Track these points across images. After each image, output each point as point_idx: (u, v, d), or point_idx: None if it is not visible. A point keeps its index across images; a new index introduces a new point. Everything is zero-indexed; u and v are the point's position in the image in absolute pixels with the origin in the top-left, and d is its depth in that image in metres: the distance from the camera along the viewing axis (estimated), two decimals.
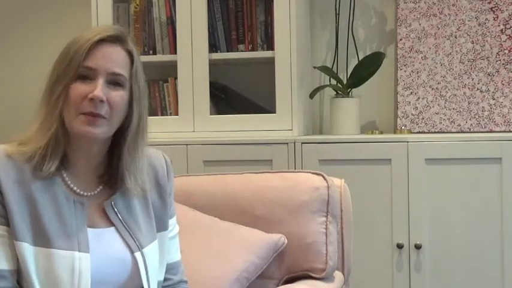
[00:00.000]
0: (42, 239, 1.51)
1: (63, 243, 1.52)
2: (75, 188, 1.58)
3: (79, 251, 1.52)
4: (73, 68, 1.52)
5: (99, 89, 1.51)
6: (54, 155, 1.54)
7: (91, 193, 1.61)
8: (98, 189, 1.62)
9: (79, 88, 1.52)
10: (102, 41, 1.54)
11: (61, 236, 1.52)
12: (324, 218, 2.04)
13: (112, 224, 1.61)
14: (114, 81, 1.55)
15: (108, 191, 1.63)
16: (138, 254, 1.60)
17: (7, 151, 1.54)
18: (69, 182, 1.58)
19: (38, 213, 1.52)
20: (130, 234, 1.61)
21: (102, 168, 1.63)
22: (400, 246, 2.69)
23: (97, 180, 1.62)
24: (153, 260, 1.64)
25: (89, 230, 1.57)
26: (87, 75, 1.53)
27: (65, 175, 1.58)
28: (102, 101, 1.51)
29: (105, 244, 1.58)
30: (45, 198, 1.53)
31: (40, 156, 1.53)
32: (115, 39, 1.56)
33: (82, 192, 1.59)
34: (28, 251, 1.50)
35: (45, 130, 1.53)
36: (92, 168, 1.61)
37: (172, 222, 1.76)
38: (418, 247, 2.68)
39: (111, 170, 1.62)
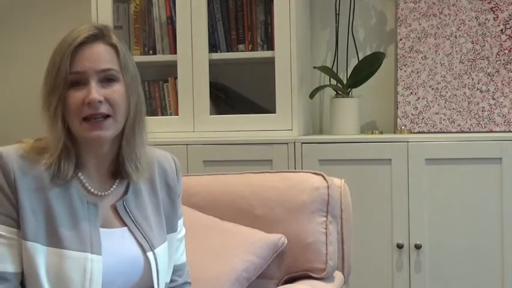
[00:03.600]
0: (55, 240, 1.51)
1: (76, 244, 1.52)
2: (89, 188, 1.59)
3: (91, 252, 1.53)
4: (62, 78, 1.52)
5: (93, 91, 1.52)
6: (68, 162, 1.55)
7: (105, 192, 1.61)
8: (112, 188, 1.62)
9: (74, 96, 1.53)
10: (82, 43, 1.54)
11: (74, 237, 1.53)
12: (324, 218, 2.04)
13: (125, 224, 1.61)
14: (106, 78, 1.55)
15: (121, 189, 1.64)
16: (150, 254, 1.60)
17: (25, 157, 1.55)
18: (84, 181, 1.59)
19: (52, 216, 1.52)
20: (142, 234, 1.62)
21: (114, 164, 1.63)
22: (400, 246, 2.70)
23: (111, 177, 1.63)
24: (164, 260, 1.65)
25: (102, 230, 1.58)
26: (78, 81, 1.53)
27: (81, 176, 1.59)
28: (100, 101, 1.52)
29: (117, 244, 1.58)
30: (61, 202, 1.54)
31: (56, 166, 1.54)
32: (94, 38, 1.56)
33: (97, 192, 1.60)
34: (40, 251, 1.50)
35: (55, 143, 1.54)
36: (105, 166, 1.62)
37: (180, 223, 1.76)
38: (418, 247, 2.68)
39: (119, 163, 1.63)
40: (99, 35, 1.57)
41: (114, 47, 1.58)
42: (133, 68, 1.61)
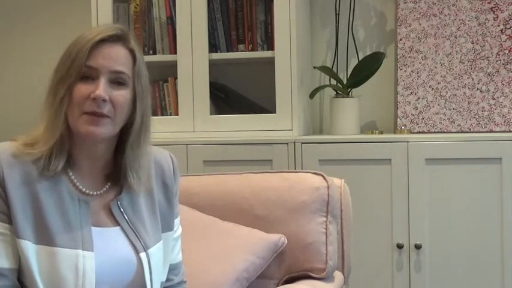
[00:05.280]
0: (45, 237, 1.51)
1: (67, 241, 1.51)
2: (81, 187, 1.59)
3: (83, 249, 1.52)
4: (75, 69, 1.52)
5: (101, 88, 1.51)
6: (59, 155, 1.55)
7: (97, 192, 1.61)
8: (105, 188, 1.62)
9: (82, 88, 1.52)
10: (103, 40, 1.54)
11: (64, 235, 1.52)
12: (324, 218, 2.04)
13: (118, 224, 1.61)
14: (116, 80, 1.55)
15: (115, 190, 1.63)
16: (143, 255, 1.60)
17: (14, 152, 1.54)
18: (75, 181, 1.58)
19: (41, 211, 1.52)
20: (136, 234, 1.61)
21: (109, 167, 1.63)
22: (400, 246, 2.70)
23: (104, 179, 1.63)
24: (158, 260, 1.64)
25: (94, 229, 1.57)
26: (89, 75, 1.53)
27: (71, 174, 1.58)
28: (104, 100, 1.52)
29: (110, 243, 1.57)
30: (50, 197, 1.54)
31: (47, 157, 1.54)
32: (116, 39, 1.56)
33: (88, 191, 1.59)
34: (30, 249, 1.50)
35: (51, 132, 1.54)
36: (98, 167, 1.62)
37: (177, 222, 1.76)
38: (418, 247, 2.68)
39: (117, 168, 1.62)
40: (121, 37, 1.57)
41: (132, 52, 1.58)
42: (146, 78, 1.61)
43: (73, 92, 1.52)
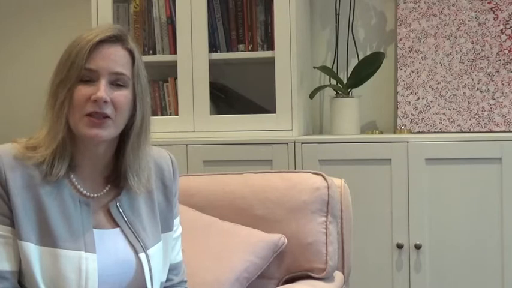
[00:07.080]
0: (47, 239, 1.51)
1: (69, 243, 1.52)
2: (81, 190, 1.59)
3: (85, 251, 1.53)
4: (75, 71, 1.52)
5: (102, 90, 1.51)
6: (62, 159, 1.55)
7: (98, 194, 1.61)
8: (105, 190, 1.62)
9: (82, 90, 1.52)
10: (102, 41, 1.54)
11: (67, 237, 1.52)
12: (324, 218, 2.04)
13: (117, 225, 1.61)
14: (116, 81, 1.55)
15: (114, 191, 1.63)
16: (142, 255, 1.60)
17: (16, 154, 1.54)
18: (76, 184, 1.58)
19: (44, 214, 1.52)
20: (135, 235, 1.61)
21: (109, 169, 1.63)
22: (400, 246, 2.70)
23: (104, 181, 1.63)
24: (158, 261, 1.64)
25: (94, 230, 1.57)
26: (89, 77, 1.53)
27: (72, 177, 1.58)
28: (105, 101, 1.51)
29: (109, 245, 1.58)
30: (52, 200, 1.54)
31: (49, 161, 1.54)
32: (115, 39, 1.56)
33: (89, 194, 1.59)
34: (33, 251, 1.50)
35: (53, 135, 1.53)
36: (99, 169, 1.61)
37: (176, 222, 1.76)
38: (418, 247, 2.68)
39: (117, 170, 1.62)
40: (120, 37, 1.57)
41: (131, 52, 1.58)
42: (145, 78, 1.61)
43: (73, 95, 1.52)
